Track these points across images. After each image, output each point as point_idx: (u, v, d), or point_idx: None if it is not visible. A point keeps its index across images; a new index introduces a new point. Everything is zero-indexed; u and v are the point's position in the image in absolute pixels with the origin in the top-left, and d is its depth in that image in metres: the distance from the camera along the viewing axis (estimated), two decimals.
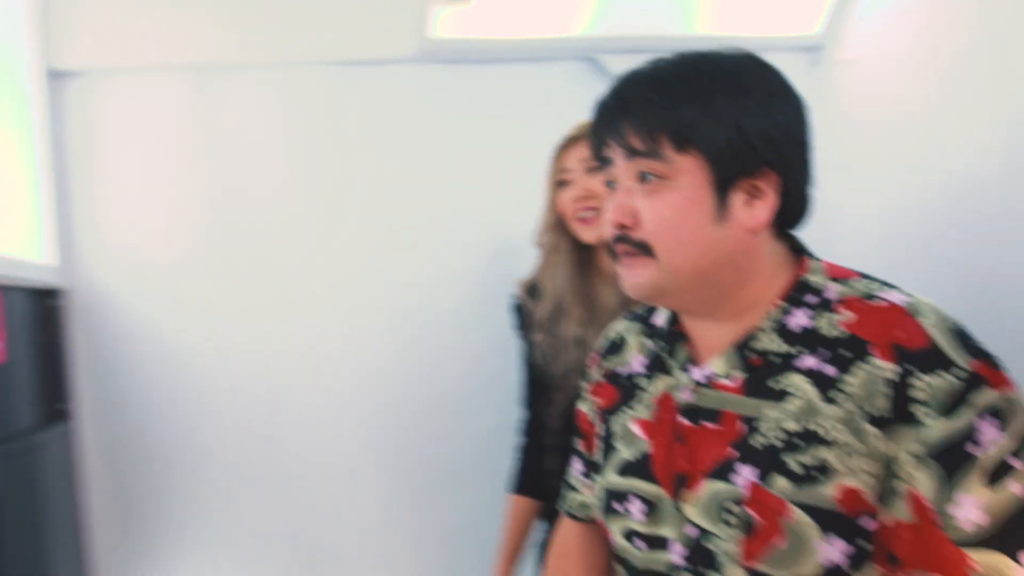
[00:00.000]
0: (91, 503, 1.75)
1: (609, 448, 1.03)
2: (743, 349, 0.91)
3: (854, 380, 0.84)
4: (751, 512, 0.86)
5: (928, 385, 0.80)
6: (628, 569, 1.00)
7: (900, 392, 0.82)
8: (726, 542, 0.88)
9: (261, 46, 1.76)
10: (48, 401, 1.64)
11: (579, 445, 1.16)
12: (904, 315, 0.85)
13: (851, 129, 1.77)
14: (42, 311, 1.64)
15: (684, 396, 0.95)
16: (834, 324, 0.88)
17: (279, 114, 1.79)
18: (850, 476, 0.83)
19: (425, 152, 1.82)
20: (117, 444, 1.75)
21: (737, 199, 0.88)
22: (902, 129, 1.66)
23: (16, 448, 1.46)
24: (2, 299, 1.43)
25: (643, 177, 0.89)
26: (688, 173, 0.87)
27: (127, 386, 1.75)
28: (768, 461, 0.86)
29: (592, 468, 1.12)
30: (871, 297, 0.88)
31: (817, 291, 0.91)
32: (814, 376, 0.87)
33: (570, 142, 1.56)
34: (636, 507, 0.96)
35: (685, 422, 0.94)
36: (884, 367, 0.83)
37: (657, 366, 1.01)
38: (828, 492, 0.83)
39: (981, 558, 0.78)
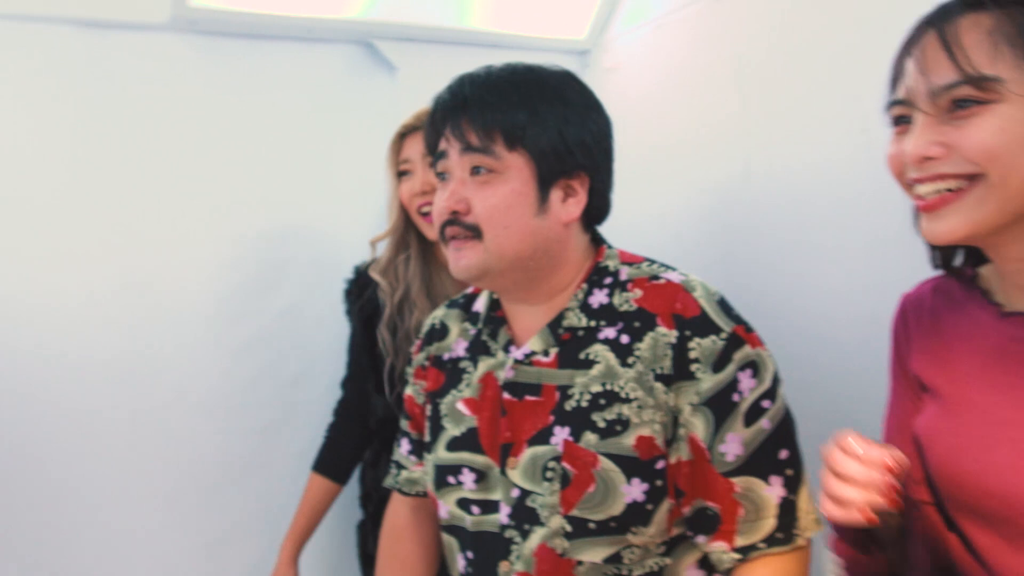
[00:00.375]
0: None
1: (438, 428, 1.12)
2: (554, 327, 1.04)
3: (644, 346, 0.99)
4: (567, 466, 0.99)
5: (699, 345, 0.97)
6: (457, 536, 1.10)
7: (679, 352, 0.98)
8: (546, 496, 1.00)
9: None
10: None
11: (407, 426, 1.24)
12: (681, 290, 1.01)
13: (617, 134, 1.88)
14: None
15: (506, 374, 1.06)
16: (626, 300, 1.03)
17: (10, 74, 1.52)
18: (644, 426, 0.98)
19: (177, 131, 1.62)
20: None
21: (555, 196, 1.01)
22: (660, 136, 1.79)
23: None
24: None
25: (475, 170, 1.00)
26: (516, 169, 0.99)
27: None
28: (579, 420, 1.00)
29: (420, 447, 1.22)
30: (655, 277, 1.04)
31: (613, 274, 1.06)
32: (612, 344, 1.01)
33: (410, 131, 1.53)
34: (468, 477, 1.07)
35: (510, 397, 1.05)
36: (667, 333, 0.98)
37: (478, 349, 1.12)
38: (627, 442, 0.98)
39: (740, 481, 0.96)
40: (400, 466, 1.25)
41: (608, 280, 1.06)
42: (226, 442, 1.65)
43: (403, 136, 1.53)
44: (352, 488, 1.64)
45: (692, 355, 0.97)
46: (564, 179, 1.02)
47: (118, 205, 1.58)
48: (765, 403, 0.97)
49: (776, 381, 0.99)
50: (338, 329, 1.72)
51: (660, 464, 0.98)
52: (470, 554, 1.07)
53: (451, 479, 1.09)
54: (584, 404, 1.00)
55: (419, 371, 1.21)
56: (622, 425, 0.98)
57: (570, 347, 1.03)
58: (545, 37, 1.97)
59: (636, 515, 0.97)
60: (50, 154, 1.54)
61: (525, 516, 1.02)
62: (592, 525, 0.98)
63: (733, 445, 0.96)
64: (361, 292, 1.57)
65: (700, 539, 1.00)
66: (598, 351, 1.02)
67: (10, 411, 1.51)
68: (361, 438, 1.58)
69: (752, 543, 0.97)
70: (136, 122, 1.60)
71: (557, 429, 1.01)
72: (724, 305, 1.01)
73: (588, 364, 1.02)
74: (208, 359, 1.63)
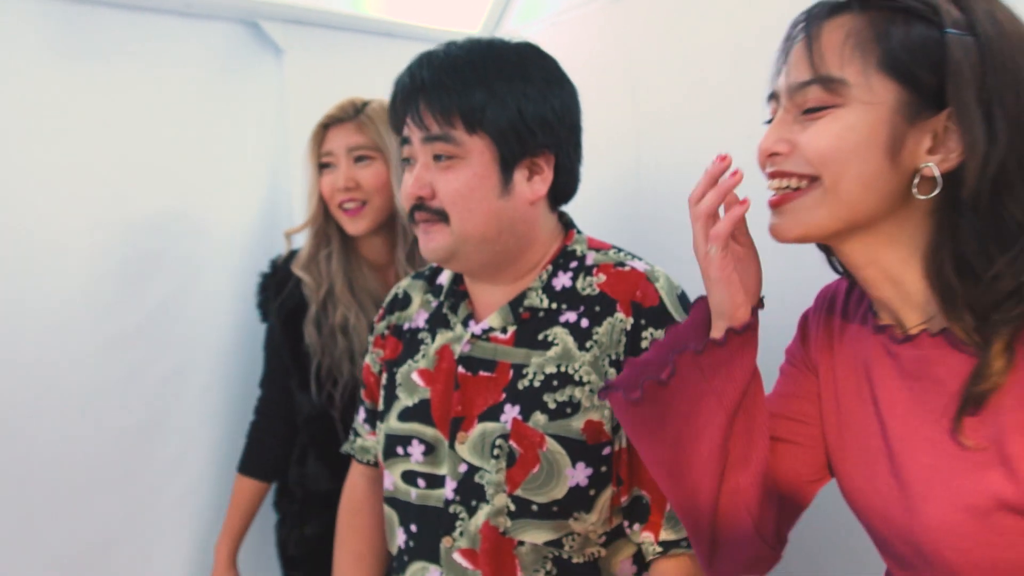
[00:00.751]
0: None
1: (392, 397, 1.12)
2: (515, 305, 1.05)
3: (602, 331, 1.00)
4: (514, 444, 0.99)
5: (651, 335, 0.99)
6: (400, 509, 1.09)
7: (632, 340, 0.99)
8: (492, 474, 0.99)
9: None
10: None
11: (362, 394, 1.24)
12: (644, 279, 1.02)
13: None
14: None
15: (463, 348, 1.06)
16: (590, 284, 1.04)
17: None
18: (594, 411, 0.99)
19: (35, 107, 1.44)
20: None
21: (520, 175, 1.01)
22: None
23: None
24: None
25: (437, 157, 1.00)
26: (477, 153, 0.99)
27: None
28: (529, 400, 1.00)
29: (373, 416, 1.21)
30: (621, 264, 1.05)
31: (579, 258, 1.07)
32: (572, 328, 1.02)
33: (333, 122, 1.48)
34: (417, 449, 1.06)
35: (464, 371, 1.05)
36: (624, 320, 1.00)
37: (438, 322, 1.12)
38: (576, 424, 0.98)
39: None
40: (356, 433, 1.25)
41: (574, 264, 1.06)
42: (95, 444, 1.51)
43: (326, 127, 1.49)
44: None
45: (644, 344, 0.98)
46: (528, 158, 1.01)
47: None
48: None
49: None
50: (216, 323, 1.64)
51: (606, 450, 0.99)
52: (413, 527, 1.07)
53: (400, 450, 1.08)
54: (537, 384, 1.01)
55: (378, 339, 1.21)
56: (573, 408, 0.99)
57: (528, 327, 1.04)
58: (439, 28, 1.95)
59: (578, 500, 0.98)
60: None
61: (471, 492, 1.01)
62: (535, 507, 0.98)
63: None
64: (280, 288, 1.51)
65: (634, 527, 1.00)
66: (557, 333, 1.02)
67: None
68: (286, 436, 1.53)
69: (675, 539, 0.98)
70: None
71: (507, 407, 1.01)
72: (684, 300, 1.02)
73: (546, 345, 1.02)
74: (74, 355, 1.48)
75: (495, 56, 1.00)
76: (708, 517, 0.84)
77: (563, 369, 1.00)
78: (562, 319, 1.03)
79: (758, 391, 0.84)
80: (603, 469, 0.99)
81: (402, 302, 1.20)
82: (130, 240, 1.53)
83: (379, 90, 1.54)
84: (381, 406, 1.15)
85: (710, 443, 0.81)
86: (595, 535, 1.01)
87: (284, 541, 1.55)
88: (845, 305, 0.88)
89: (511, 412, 1.00)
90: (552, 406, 0.99)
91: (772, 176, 0.77)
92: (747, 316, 0.81)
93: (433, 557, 1.04)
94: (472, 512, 1.01)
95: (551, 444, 0.98)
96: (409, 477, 1.07)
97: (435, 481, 1.05)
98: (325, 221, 1.49)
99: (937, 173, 0.70)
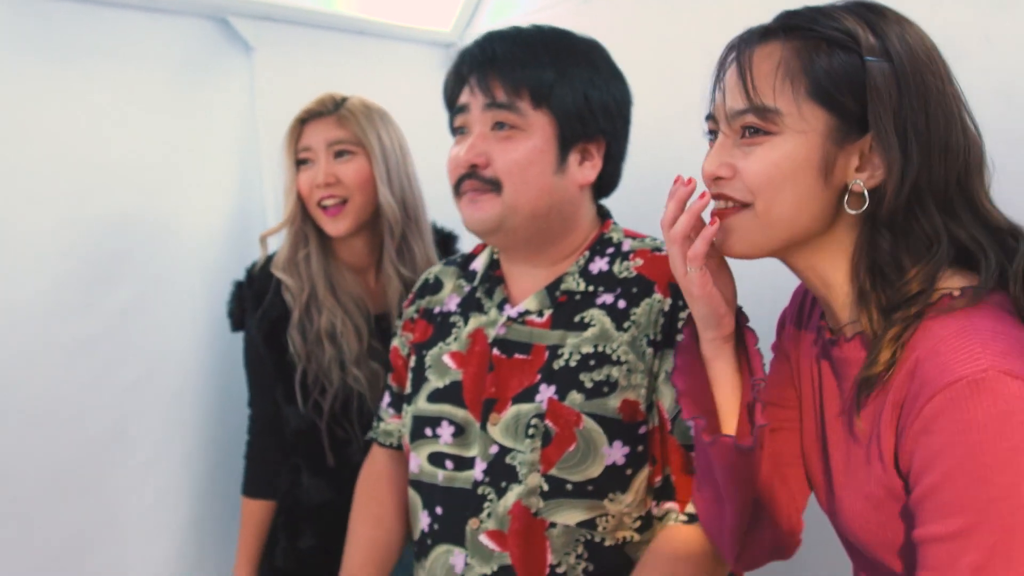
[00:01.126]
0: None
1: (421, 379, 1.13)
2: (552, 289, 1.07)
3: (639, 311, 1.02)
4: (550, 423, 1.00)
5: (687, 316, 0.96)
6: (424, 492, 1.09)
7: (669, 320, 1.01)
8: (526, 453, 1.00)
9: None
10: None
11: (389, 379, 1.25)
12: None
13: None
14: None
15: (498, 331, 1.08)
16: (627, 268, 1.06)
17: None
18: (631, 390, 1.00)
19: None
20: None
21: (573, 158, 1.04)
22: None
23: None
24: None
25: (498, 126, 1.02)
26: (540, 127, 1.02)
27: None
28: (566, 380, 1.01)
29: (399, 400, 1.22)
30: (658, 249, 1.08)
31: (616, 244, 1.09)
32: (609, 309, 1.04)
33: (312, 116, 1.42)
34: (446, 431, 1.07)
35: (499, 354, 1.06)
36: (662, 300, 1.02)
37: (471, 306, 1.13)
38: (613, 404, 1.00)
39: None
40: (379, 418, 1.26)
41: (610, 250, 1.09)
42: (63, 450, 1.45)
43: (303, 122, 1.43)
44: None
45: (680, 324, 1.00)
46: (583, 142, 1.04)
47: None
48: None
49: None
50: (186, 325, 1.60)
51: (642, 429, 1.00)
52: (438, 510, 1.07)
53: (428, 431, 1.09)
54: (573, 364, 1.02)
55: (407, 324, 1.22)
56: (609, 387, 1.00)
57: (565, 310, 1.06)
58: (410, 27, 1.94)
59: (615, 479, 0.99)
60: None
61: (502, 474, 1.02)
62: (570, 486, 0.98)
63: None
64: (258, 299, 1.43)
65: (660, 504, 1.02)
66: (594, 315, 1.04)
67: None
68: (283, 450, 1.45)
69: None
70: None
71: (543, 387, 1.02)
72: None
73: (583, 327, 1.04)
74: (40, 358, 1.43)
75: (567, 41, 1.05)
76: (745, 525, 0.89)
77: (600, 349, 1.02)
78: (599, 301, 1.05)
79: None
80: (639, 449, 1.00)
81: (433, 287, 1.21)
82: (97, 240, 1.48)
83: (351, 88, 1.53)
84: (408, 388, 1.16)
85: (763, 480, 0.88)
86: (630, 519, 1.01)
87: (270, 553, 1.47)
88: (812, 304, 0.94)
89: (547, 392, 1.02)
90: (589, 385, 1.01)
91: (715, 197, 0.83)
92: (732, 325, 0.88)
93: (458, 539, 1.04)
94: (501, 494, 1.01)
95: (587, 422, 0.99)
96: (436, 459, 1.08)
97: (463, 463, 1.06)
98: (303, 221, 1.43)
99: (864, 190, 0.76)
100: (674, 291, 1.01)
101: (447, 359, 1.11)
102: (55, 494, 1.44)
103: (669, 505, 1.01)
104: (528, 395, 1.03)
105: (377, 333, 1.45)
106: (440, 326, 1.15)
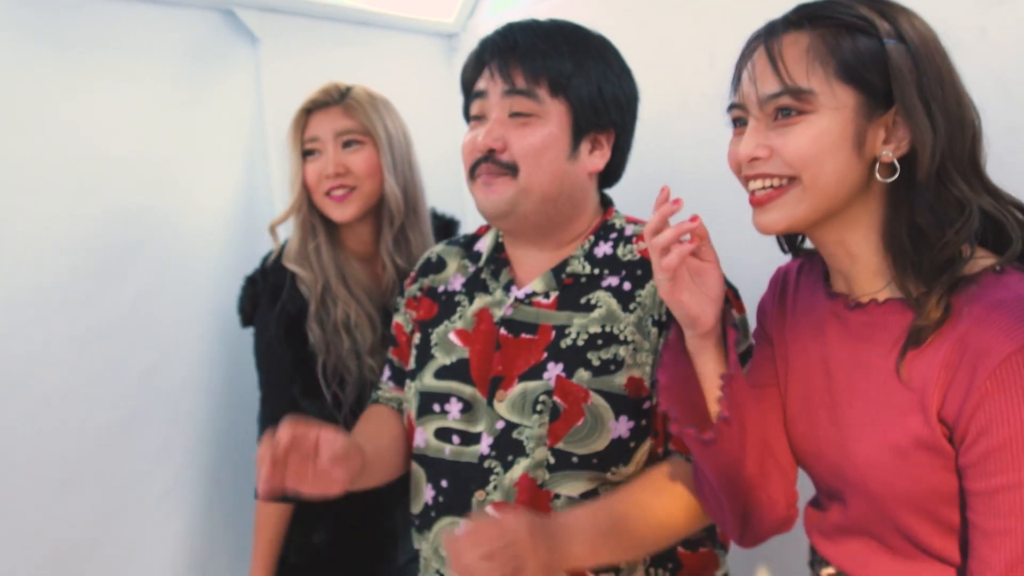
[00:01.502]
0: None
1: (427, 356, 1.16)
2: (558, 272, 1.11)
3: (645, 292, 1.07)
4: (558, 400, 1.04)
5: None
6: (430, 466, 1.12)
7: None
8: (534, 428, 1.04)
9: None
10: None
11: (391, 353, 1.28)
12: None
13: None
14: None
15: (505, 311, 1.12)
16: (631, 251, 1.11)
17: None
18: (636, 368, 1.05)
19: (6, 95, 1.39)
20: None
21: (584, 146, 1.09)
22: None
23: None
24: None
25: (516, 113, 1.06)
26: (555, 115, 1.07)
27: None
28: (573, 358, 1.06)
29: (400, 375, 1.25)
30: None
31: (619, 230, 1.14)
32: (615, 291, 1.08)
33: (316, 107, 1.42)
34: (455, 407, 1.11)
35: (506, 333, 1.10)
36: None
37: (475, 286, 1.17)
38: (619, 380, 1.04)
39: None
40: (378, 389, 1.29)
41: (614, 235, 1.13)
42: (72, 441, 1.47)
43: (308, 112, 1.43)
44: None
45: None
46: (595, 132, 1.09)
47: None
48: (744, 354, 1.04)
49: (751, 348, 1.06)
50: (195, 316, 1.61)
51: (646, 404, 1.05)
52: (444, 483, 1.10)
53: (436, 407, 1.12)
54: (580, 343, 1.06)
55: (411, 301, 1.25)
56: (616, 365, 1.05)
57: (571, 292, 1.10)
58: (413, 17, 1.95)
59: (619, 452, 1.03)
60: None
61: (508, 448, 1.05)
62: (575, 459, 1.03)
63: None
64: (274, 294, 1.42)
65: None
66: (600, 297, 1.08)
67: None
68: None
69: None
70: None
71: (550, 365, 1.06)
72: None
73: (590, 308, 1.08)
74: (51, 350, 1.44)
75: (584, 36, 1.10)
76: (743, 507, 0.94)
77: (608, 329, 1.06)
78: (604, 283, 1.09)
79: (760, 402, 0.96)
80: (643, 423, 1.05)
81: (436, 266, 1.24)
82: (106, 232, 1.50)
83: (355, 78, 1.54)
84: (412, 364, 1.19)
85: (753, 463, 0.94)
86: None
87: (283, 549, 1.46)
88: (797, 280, 1.00)
89: (554, 370, 1.06)
90: (596, 363, 1.05)
91: (753, 178, 0.87)
92: (709, 324, 0.92)
93: (464, 511, 1.08)
94: (507, 467, 1.05)
95: (595, 398, 1.04)
96: (443, 434, 1.11)
97: (470, 438, 1.09)
98: (309, 211, 1.44)
99: (895, 159, 0.83)
100: None
101: (453, 337, 1.15)
102: (65, 484, 1.46)
103: (672, 447, 1.07)
104: (535, 373, 1.07)
105: (385, 321, 1.46)
106: (445, 304, 1.19)
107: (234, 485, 1.66)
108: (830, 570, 0.94)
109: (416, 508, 1.16)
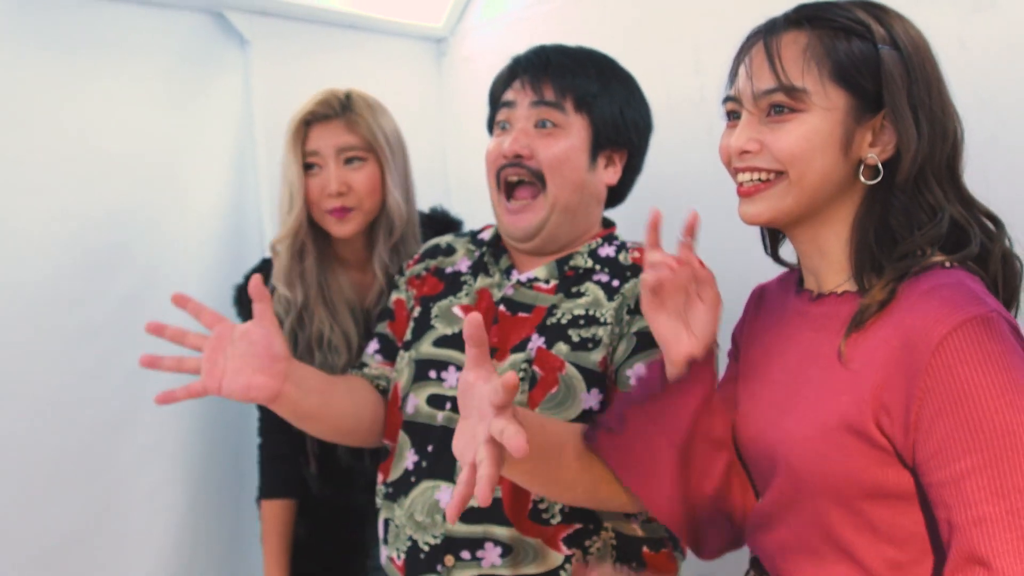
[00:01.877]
0: None
1: (425, 327, 1.23)
2: (561, 263, 1.20)
3: (627, 287, 1.16)
4: (536, 369, 1.12)
5: None
6: (417, 433, 1.17)
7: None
8: (518, 396, 1.08)
9: None
10: None
11: (384, 327, 1.33)
12: None
13: (467, 120, 1.90)
14: None
15: (506, 291, 1.20)
16: (627, 259, 1.20)
17: None
18: (610, 347, 1.13)
19: None
20: None
21: (601, 160, 1.19)
22: None
23: None
24: None
25: (541, 123, 1.16)
26: (577, 128, 1.17)
27: None
28: (555, 333, 1.14)
29: (392, 347, 1.30)
30: None
31: (621, 242, 1.23)
32: (604, 286, 1.17)
33: (318, 119, 1.38)
34: (452, 375, 1.17)
35: (505, 311, 1.19)
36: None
37: (480, 269, 1.26)
38: (595, 357, 1.12)
39: None
40: (363, 363, 1.32)
41: (616, 243, 1.23)
42: (62, 439, 1.46)
43: (308, 123, 1.40)
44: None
45: None
46: (611, 149, 1.19)
47: None
48: None
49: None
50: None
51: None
52: (430, 448, 1.15)
53: (432, 374, 1.19)
54: (564, 322, 1.15)
55: (413, 280, 1.31)
56: (594, 344, 1.13)
57: (569, 282, 1.18)
58: (402, 22, 1.97)
59: (589, 422, 1.06)
60: None
61: None
62: None
63: (638, 369, 1.10)
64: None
65: None
66: (590, 287, 1.17)
67: None
68: (296, 446, 1.44)
69: None
70: None
71: (534, 337, 1.15)
72: None
73: (579, 295, 1.17)
74: (39, 349, 1.44)
75: (611, 65, 1.21)
76: (686, 521, 0.97)
77: (591, 313, 1.15)
78: (595, 278, 1.18)
79: (712, 412, 0.97)
80: (609, 395, 1.11)
81: (445, 250, 1.32)
82: (94, 232, 1.49)
83: (345, 82, 1.54)
84: (408, 336, 1.25)
85: (669, 473, 0.96)
86: None
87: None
88: (772, 292, 1.03)
89: (537, 342, 1.14)
90: (576, 339, 1.13)
91: (742, 170, 0.89)
92: (681, 354, 0.95)
93: (447, 475, 1.12)
94: None
95: (569, 369, 1.11)
96: (437, 401, 1.17)
97: None
98: (305, 232, 1.40)
99: (879, 162, 0.85)
100: None
101: (456, 310, 1.22)
102: (56, 482, 1.46)
103: None
104: (523, 346, 1.15)
105: (366, 331, 1.45)
106: (451, 282, 1.26)
107: (221, 485, 1.66)
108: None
109: (394, 475, 1.18)
